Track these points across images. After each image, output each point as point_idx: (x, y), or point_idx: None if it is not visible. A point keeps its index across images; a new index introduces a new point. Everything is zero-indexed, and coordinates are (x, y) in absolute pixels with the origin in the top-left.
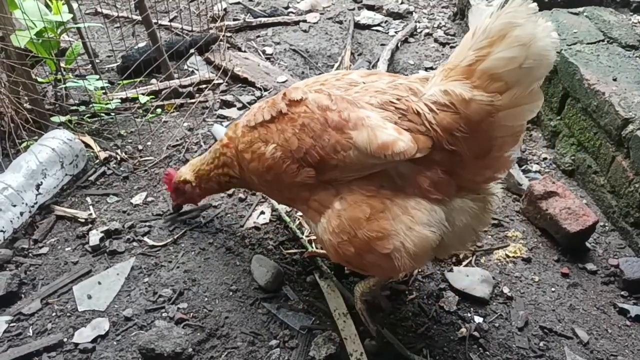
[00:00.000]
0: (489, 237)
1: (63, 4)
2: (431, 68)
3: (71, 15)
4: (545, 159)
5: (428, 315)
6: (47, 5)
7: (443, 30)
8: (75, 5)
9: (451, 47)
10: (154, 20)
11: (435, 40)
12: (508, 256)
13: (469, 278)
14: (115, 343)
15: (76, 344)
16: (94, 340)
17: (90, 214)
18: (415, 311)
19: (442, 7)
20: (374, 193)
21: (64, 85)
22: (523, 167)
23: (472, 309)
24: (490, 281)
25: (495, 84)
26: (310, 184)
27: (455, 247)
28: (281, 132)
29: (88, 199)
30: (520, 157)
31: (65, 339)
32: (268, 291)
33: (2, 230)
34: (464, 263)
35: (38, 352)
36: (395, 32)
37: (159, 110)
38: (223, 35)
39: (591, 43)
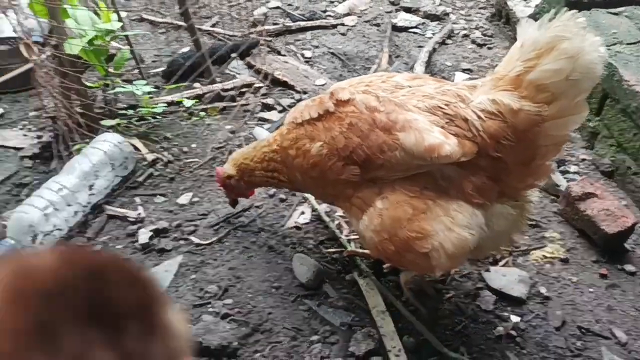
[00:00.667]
0: (526, 237)
1: (112, 13)
2: (469, 70)
3: (120, 24)
4: (583, 160)
5: (465, 314)
6: (95, 13)
7: (480, 32)
8: (123, 14)
9: (488, 48)
10: (197, 26)
11: (473, 42)
12: (545, 257)
13: (506, 278)
14: None
15: None
16: None
17: (139, 214)
18: (453, 309)
19: (480, 8)
20: (416, 194)
21: (114, 91)
22: (561, 168)
23: (509, 308)
24: (527, 281)
25: (542, 94)
26: (354, 181)
27: (489, 250)
28: (328, 130)
29: (137, 199)
30: (558, 158)
31: None
32: (309, 288)
33: (58, 229)
34: (501, 263)
35: None
36: (433, 34)
37: (202, 113)
38: (264, 40)
39: (631, 43)
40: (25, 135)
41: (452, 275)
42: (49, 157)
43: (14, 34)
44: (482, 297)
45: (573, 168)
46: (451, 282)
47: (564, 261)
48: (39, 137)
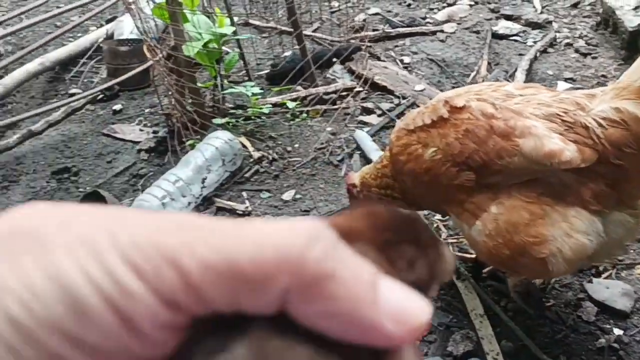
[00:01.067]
0: (631, 251)
1: (226, 18)
2: (571, 79)
3: (234, 29)
4: None
5: (565, 323)
6: (207, 16)
7: (585, 40)
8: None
9: (593, 58)
10: (302, 28)
11: (576, 51)
12: None
13: (609, 290)
14: None
15: None
16: None
17: (247, 207)
18: (553, 318)
19: (584, 17)
20: (533, 200)
21: (225, 92)
22: None
23: (611, 320)
24: (632, 295)
25: None
26: (468, 187)
27: (604, 257)
28: (442, 136)
29: (244, 193)
30: None
31: None
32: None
33: None
34: (604, 275)
35: None
36: (534, 42)
37: (304, 115)
38: (365, 46)
39: None
40: (141, 130)
41: (552, 285)
42: (163, 151)
43: (132, 36)
44: (583, 307)
45: None
46: (551, 291)
47: None
48: (155, 132)
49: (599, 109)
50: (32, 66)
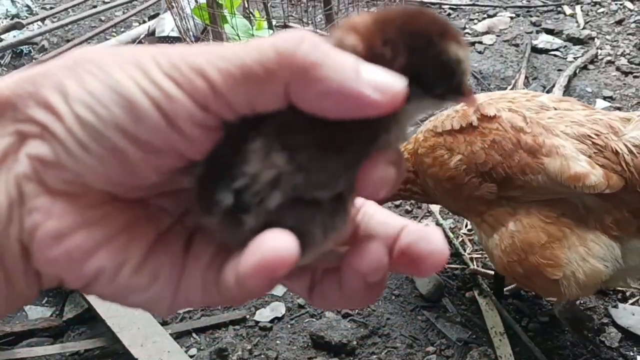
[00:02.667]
0: None
1: (264, 21)
2: (610, 97)
3: (271, 32)
4: None
5: (587, 348)
6: (249, 20)
7: (627, 59)
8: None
9: (635, 77)
10: None
11: (617, 69)
12: None
13: (635, 317)
14: (289, 326)
15: (257, 322)
16: (271, 321)
17: None
18: (574, 341)
19: (628, 34)
20: (553, 220)
21: None
22: None
23: (635, 348)
24: None
25: None
26: (489, 199)
27: (618, 284)
28: (469, 144)
29: None
30: None
31: (247, 316)
32: (428, 300)
33: None
34: (630, 301)
35: (225, 324)
36: (574, 58)
37: None
38: None
39: None
40: None
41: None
42: None
43: (173, 34)
44: (607, 332)
45: None
46: None
47: None
48: None
49: (632, 134)
50: None
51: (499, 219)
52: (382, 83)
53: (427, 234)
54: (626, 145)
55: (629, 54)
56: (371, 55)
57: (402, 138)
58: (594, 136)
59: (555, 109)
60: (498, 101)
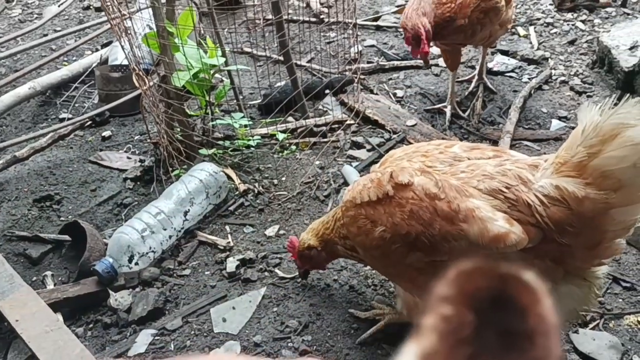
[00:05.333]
0: (620, 300)
1: (217, 48)
2: (565, 117)
3: (224, 59)
4: None
5: None
6: (199, 44)
7: (580, 79)
8: (226, 47)
9: (588, 96)
10: (294, 61)
11: (571, 89)
12: None
13: (595, 342)
14: None
15: None
16: None
17: (229, 242)
18: None
19: (580, 54)
20: None
21: (213, 123)
22: None
23: None
24: (620, 348)
25: (608, 181)
26: (418, 266)
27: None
28: (389, 215)
29: (227, 227)
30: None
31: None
32: (388, 333)
33: (153, 251)
34: (591, 325)
35: None
36: (529, 79)
37: (293, 147)
38: (357, 79)
39: None
40: (129, 158)
41: None
42: (149, 180)
43: (126, 62)
44: (568, 359)
45: None
46: None
47: None
48: (142, 160)
49: (540, 184)
50: (22, 90)
51: (426, 286)
52: None
53: None
54: (537, 196)
55: (582, 74)
56: None
57: None
58: (505, 190)
59: (468, 158)
60: (412, 156)
